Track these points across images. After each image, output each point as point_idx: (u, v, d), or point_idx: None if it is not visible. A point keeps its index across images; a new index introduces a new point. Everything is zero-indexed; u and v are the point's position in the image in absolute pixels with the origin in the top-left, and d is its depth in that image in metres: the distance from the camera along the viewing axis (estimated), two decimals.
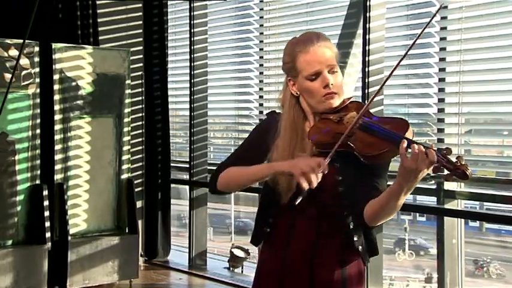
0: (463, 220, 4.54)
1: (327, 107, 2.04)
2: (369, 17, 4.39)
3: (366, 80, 4.39)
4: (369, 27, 4.39)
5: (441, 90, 4.33)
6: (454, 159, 1.78)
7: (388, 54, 4.50)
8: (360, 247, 2.02)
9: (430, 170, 1.81)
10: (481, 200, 4.73)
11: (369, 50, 4.39)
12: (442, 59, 4.31)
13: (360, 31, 4.70)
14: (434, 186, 4.41)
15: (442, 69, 4.33)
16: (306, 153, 2.01)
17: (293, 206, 1.95)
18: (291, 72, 2.08)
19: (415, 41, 2.03)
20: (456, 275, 4.48)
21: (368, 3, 4.38)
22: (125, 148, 5.12)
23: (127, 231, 5.11)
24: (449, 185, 4.36)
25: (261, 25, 5.47)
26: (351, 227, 2.01)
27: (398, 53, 4.58)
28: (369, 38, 4.39)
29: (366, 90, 4.39)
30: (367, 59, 4.39)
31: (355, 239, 2.01)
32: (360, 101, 2.20)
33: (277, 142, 2.07)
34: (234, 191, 2.27)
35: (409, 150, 1.82)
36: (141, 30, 5.78)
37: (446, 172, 1.80)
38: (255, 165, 2.06)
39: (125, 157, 5.12)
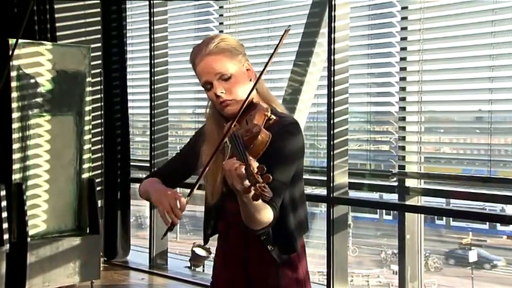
0: (422, 216, 4.65)
1: (227, 114, 2.05)
2: (334, 16, 4.44)
3: (332, 79, 4.43)
4: (334, 26, 4.44)
5: (402, 89, 4.43)
6: (260, 179, 1.67)
7: (352, 53, 4.56)
8: (270, 246, 2.03)
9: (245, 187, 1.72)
10: (438, 196, 4.86)
11: (334, 48, 4.44)
12: (402, 59, 4.40)
13: (323, 30, 4.76)
14: (395, 184, 4.51)
15: (403, 69, 4.43)
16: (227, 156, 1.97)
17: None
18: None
19: (273, 54, 1.97)
20: (416, 269, 4.60)
21: (333, 3, 4.43)
22: (86, 147, 5.02)
23: (88, 231, 5.01)
24: (410, 182, 4.47)
25: (221, 23, 5.46)
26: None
27: (361, 52, 4.67)
28: (334, 37, 4.44)
29: (332, 89, 4.44)
30: (332, 57, 4.43)
31: (262, 238, 2.01)
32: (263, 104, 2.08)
33: (205, 147, 2.09)
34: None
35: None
36: (99, 27, 5.68)
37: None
38: (156, 182, 2.12)
39: (85, 156, 5.02)
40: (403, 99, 4.42)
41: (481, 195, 4.25)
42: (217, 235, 2.22)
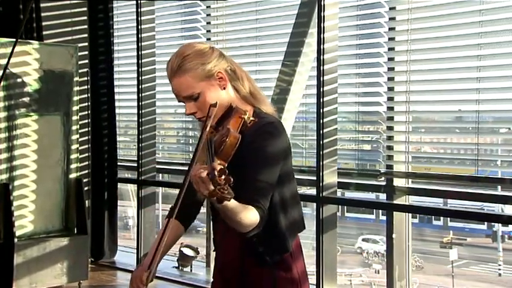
0: (410, 216, 4.69)
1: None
2: (323, 16, 4.46)
3: (321, 79, 4.45)
4: (323, 27, 4.46)
5: (390, 89, 4.46)
6: (222, 182, 1.66)
7: (340, 53, 4.58)
8: (261, 247, 2.02)
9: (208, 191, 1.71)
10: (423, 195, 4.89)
11: (323, 48, 4.45)
12: (390, 59, 4.43)
13: (311, 30, 4.77)
14: (383, 183, 4.55)
15: (391, 69, 4.46)
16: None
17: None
18: None
19: None
20: (403, 268, 4.64)
21: (322, 3, 4.45)
22: (73, 147, 4.98)
23: (76, 231, 4.98)
24: (398, 182, 4.50)
25: (208, 23, 5.46)
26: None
27: (349, 52, 4.69)
28: (323, 37, 4.46)
29: (321, 89, 4.45)
30: (321, 57, 4.45)
31: (254, 240, 1.99)
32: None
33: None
34: None
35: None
36: (86, 26, 5.64)
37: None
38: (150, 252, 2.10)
39: (73, 156, 4.99)
40: (391, 99, 4.45)
41: (467, 195, 4.31)
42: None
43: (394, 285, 4.55)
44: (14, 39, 4.74)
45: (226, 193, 1.66)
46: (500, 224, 14.50)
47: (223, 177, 1.65)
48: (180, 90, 2.02)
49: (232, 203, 1.79)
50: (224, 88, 2.05)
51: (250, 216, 1.88)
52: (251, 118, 1.97)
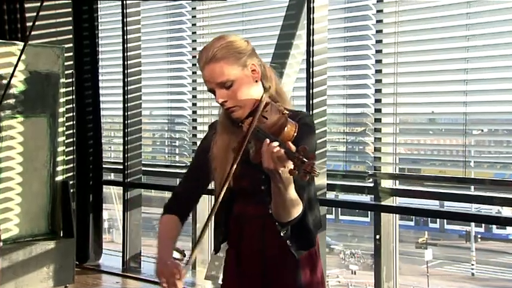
0: (397, 217, 4.72)
1: (235, 118, 2.05)
2: (313, 18, 4.47)
3: (311, 81, 4.46)
4: (313, 29, 4.48)
5: (378, 91, 4.48)
6: (305, 159, 1.71)
7: (329, 55, 4.60)
8: (289, 241, 2.05)
9: (287, 169, 1.77)
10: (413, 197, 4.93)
11: (313, 50, 4.47)
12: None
13: (299, 32, 4.78)
14: (371, 184, 4.57)
15: (378, 71, 4.48)
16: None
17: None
18: None
19: None
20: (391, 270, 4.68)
21: (312, 5, 4.46)
22: (60, 149, 4.93)
23: (62, 235, 4.92)
24: (386, 183, 4.54)
25: (194, 24, 5.44)
26: (276, 223, 2.03)
27: (338, 54, 4.71)
28: (312, 39, 4.47)
29: (311, 91, 4.47)
30: (311, 59, 4.46)
31: (282, 234, 2.03)
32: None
33: (217, 138, 2.10)
34: None
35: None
36: (71, 27, 5.58)
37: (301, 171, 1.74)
38: (167, 238, 2.17)
39: (59, 158, 4.93)
40: (378, 100, 4.47)
41: (455, 196, 4.35)
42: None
43: (382, 286, 4.58)
44: (0, 40, 4.71)
45: (315, 168, 1.69)
46: (473, 224, 14.75)
47: (305, 154, 1.69)
48: (213, 77, 2.01)
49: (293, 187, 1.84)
50: (256, 81, 2.06)
51: (298, 206, 1.94)
52: (286, 112, 1.97)
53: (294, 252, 2.05)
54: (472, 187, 4.37)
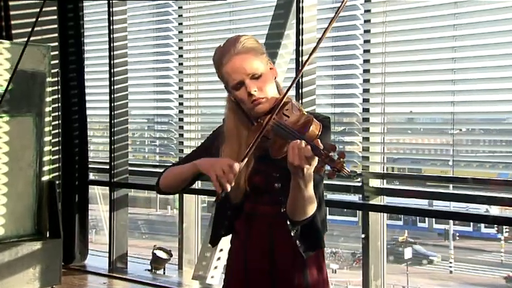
0: (385, 216, 4.75)
1: (258, 112, 2.06)
2: (302, 18, 4.48)
3: (300, 80, 4.47)
4: (302, 28, 4.48)
5: (366, 90, 4.51)
6: (335, 157, 1.75)
7: (318, 54, 4.61)
8: (298, 241, 2.06)
9: (313, 165, 1.81)
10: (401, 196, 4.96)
11: (302, 50, 4.48)
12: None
13: (287, 32, 4.79)
14: (359, 184, 4.59)
15: (366, 71, 4.50)
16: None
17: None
18: (223, 81, 2.13)
19: None
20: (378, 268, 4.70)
21: (301, 5, 4.47)
22: (46, 149, 4.88)
23: (48, 235, 4.87)
24: (374, 182, 4.56)
25: (180, 23, 5.42)
26: (288, 223, 2.05)
27: (326, 54, 4.72)
28: (302, 39, 4.48)
29: (300, 90, 4.48)
30: (300, 59, 4.47)
31: (292, 234, 2.05)
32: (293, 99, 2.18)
33: (224, 147, 2.11)
34: (175, 191, 2.30)
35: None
36: (56, 26, 5.52)
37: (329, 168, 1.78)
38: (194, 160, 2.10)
39: (45, 158, 4.88)
40: (366, 100, 4.50)
41: (444, 195, 4.39)
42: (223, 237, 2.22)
43: (370, 285, 4.60)
44: None
45: (345, 167, 1.73)
46: (452, 222, 14.90)
47: (336, 152, 1.73)
48: (244, 66, 2.04)
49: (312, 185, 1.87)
50: (275, 78, 2.13)
51: (313, 205, 1.96)
52: (304, 112, 2.02)
53: (302, 252, 2.06)
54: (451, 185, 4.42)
